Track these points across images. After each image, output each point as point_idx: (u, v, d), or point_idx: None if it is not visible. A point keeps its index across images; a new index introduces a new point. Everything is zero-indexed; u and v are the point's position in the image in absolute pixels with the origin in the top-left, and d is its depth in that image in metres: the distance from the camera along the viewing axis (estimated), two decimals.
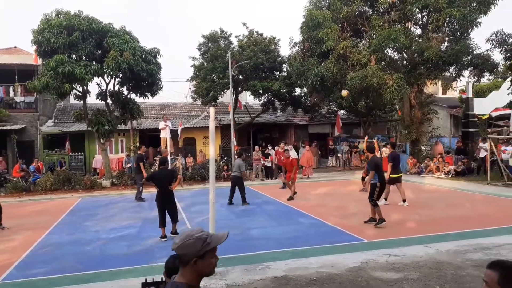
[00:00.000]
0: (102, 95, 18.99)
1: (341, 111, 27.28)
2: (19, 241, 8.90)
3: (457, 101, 27.21)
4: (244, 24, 25.39)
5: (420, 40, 18.82)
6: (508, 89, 18.29)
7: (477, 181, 15.91)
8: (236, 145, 21.65)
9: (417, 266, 6.24)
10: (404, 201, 11.34)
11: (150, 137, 24.64)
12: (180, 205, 12.71)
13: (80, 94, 18.48)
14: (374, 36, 18.51)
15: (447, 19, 17.85)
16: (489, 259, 3.97)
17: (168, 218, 8.69)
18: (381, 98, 20.12)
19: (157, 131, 21.15)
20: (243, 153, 14.87)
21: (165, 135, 18.21)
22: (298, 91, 25.57)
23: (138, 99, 20.02)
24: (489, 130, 22.69)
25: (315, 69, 19.28)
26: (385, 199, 11.25)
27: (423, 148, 21.78)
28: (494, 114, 22.30)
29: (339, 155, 24.52)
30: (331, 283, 5.67)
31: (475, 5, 17.50)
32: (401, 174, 11.79)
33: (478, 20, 17.72)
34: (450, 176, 17.44)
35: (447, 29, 19.28)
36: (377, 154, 11.63)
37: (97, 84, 18.68)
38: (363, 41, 20.88)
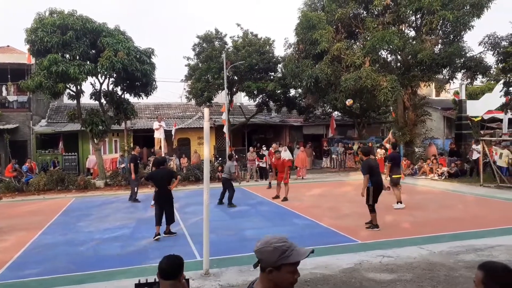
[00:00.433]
0: (96, 95, 18.90)
1: (336, 112, 27.38)
2: (12, 241, 8.83)
3: (450, 103, 27.40)
4: (238, 25, 25.43)
5: (414, 42, 18.94)
6: (500, 91, 18.45)
7: (470, 183, 16.03)
8: (231, 146, 21.64)
9: (411, 267, 6.28)
10: (400, 203, 11.22)
11: (144, 138, 24.56)
12: (174, 206, 12.64)
13: (74, 93, 18.38)
14: (368, 38, 18.60)
15: (441, 21, 17.99)
16: (482, 260, 4.00)
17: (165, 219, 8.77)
18: (375, 100, 20.21)
19: (151, 131, 21.13)
20: (234, 154, 14.83)
21: (159, 135, 18.20)
22: (292, 92, 25.66)
23: (132, 99, 19.94)
24: (482, 132, 22.89)
25: (310, 71, 19.32)
26: (400, 202, 11.14)
27: (416, 149, 21.91)
28: (487, 116, 22.51)
29: (333, 156, 24.58)
30: (325, 284, 5.68)
31: (468, 8, 17.65)
32: (401, 176, 11.78)
33: (471, 23, 17.88)
34: (443, 177, 17.56)
35: (440, 31, 19.42)
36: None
37: (91, 83, 18.61)
38: (357, 43, 20.97)
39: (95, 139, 18.54)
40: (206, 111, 6.71)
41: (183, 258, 2.73)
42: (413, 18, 19.92)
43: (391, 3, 18.58)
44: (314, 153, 25.81)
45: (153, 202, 12.66)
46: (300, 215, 10.81)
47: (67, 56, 16.89)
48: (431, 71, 19.31)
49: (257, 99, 25.34)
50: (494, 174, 15.34)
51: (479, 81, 23.83)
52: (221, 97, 25.74)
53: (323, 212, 11.01)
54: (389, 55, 20.67)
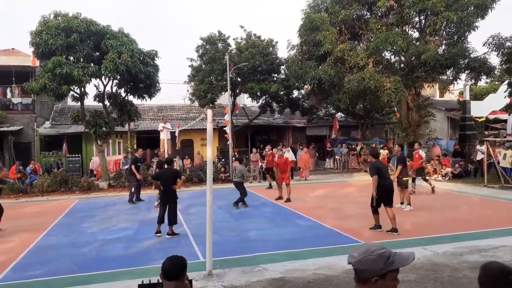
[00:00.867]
0: (99, 96, 18.96)
1: (339, 113, 27.34)
2: (16, 242, 8.87)
3: (454, 103, 27.30)
4: (242, 26, 25.40)
5: (418, 43, 18.90)
6: (504, 92, 18.38)
7: (474, 184, 15.96)
8: (234, 147, 21.65)
9: (414, 268, 6.25)
10: (408, 204, 11.18)
11: (148, 139, 24.61)
12: (178, 206, 12.68)
13: (78, 95, 18.45)
14: (371, 39, 18.57)
15: (445, 22, 17.95)
16: (486, 260, 3.97)
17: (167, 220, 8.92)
18: (378, 101, 20.18)
19: (154, 132, 21.18)
20: (243, 158, 14.75)
21: (163, 136, 18.25)
22: (296, 93, 25.64)
23: (135, 101, 20.00)
24: (486, 132, 22.79)
25: (313, 72, 19.32)
26: (409, 204, 11.12)
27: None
28: (492, 117, 22.40)
29: (337, 157, 24.53)
30: (328, 284, 5.67)
31: (472, 9, 17.58)
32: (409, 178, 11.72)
33: (475, 24, 17.81)
34: (447, 178, 17.49)
35: (444, 32, 19.37)
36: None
37: (95, 85, 18.66)
38: (360, 44, 20.94)
39: (98, 141, 18.59)
40: (209, 112, 6.72)
41: (186, 259, 2.73)
42: (417, 19, 19.88)
43: (394, 4, 18.56)
44: (317, 154, 25.77)
45: (156, 203, 12.74)
46: (303, 216, 10.79)
47: (71, 58, 16.95)
48: (435, 72, 19.26)
49: (260, 100, 25.35)
50: (498, 175, 15.28)
51: (483, 82, 23.72)
52: (224, 99, 25.77)
53: (326, 213, 10.99)
54: (392, 56, 20.64)
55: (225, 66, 21.68)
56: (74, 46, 16.45)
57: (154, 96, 19.57)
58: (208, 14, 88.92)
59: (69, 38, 16.23)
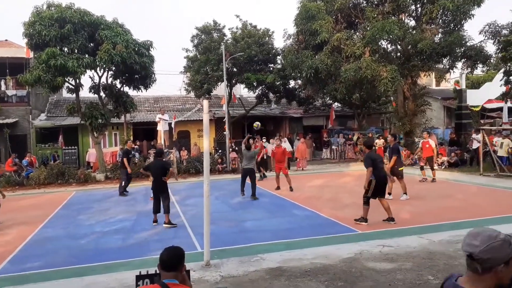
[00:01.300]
0: (95, 88, 18.83)
1: (336, 103, 27.31)
2: (13, 235, 8.87)
3: (451, 92, 27.33)
4: (237, 16, 25.26)
5: (414, 32, 18.82)
6: (500, 80, 18.39)
7: (470, 172, 16.05)
8: (230, 138, 21.62)
9: (410, 256, 6.30)
10: (404, 193, 11.13)
11: (144, 130, 24.55)
12: (175, 198, 12.73)
13: (73, 87, 18.31)
14: (368, 28, 18.48)
15: (441, 10, 17.87)
16: None
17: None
18: (375, 90, 20.16)
19: (150, 124, 21.09)
20: (251, 145, 14.42)
21: (160, 128, 18.20)
22: (292, 83, 25.56)
23: (131, 92, 19.89)
24: (482, 121, 22.86)
25: (309, 61, 19.24)
26: (389, 193, 11.05)
27: (416, 139, 21.90)
28: (487, 105, 22.44)
29: (334, 147, 24.56)
30: (325, 274, 5.71)
31: None
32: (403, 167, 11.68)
33: (471, 12, 17.76)
34: (443, 167, 17.56)
35: (440, 20, 19.29)
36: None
37: (90, 77, 18.52)
38: (357, 33, 20.83)
39: (94, 133, 18.52)
40: (205, 103, 6.69)
41: (183, 249, 2.74)
42: (413, 7, 19.78)
43: None
44: (314, 144, 25.80)
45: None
46: (300, 206, 10.84)
47: (66, 49, 16.80)
48: (431, 61, 19.21)
49: (257, 90, 25.27)
50: (494, 163, 15.35)
51: (479, 71, 23.73)
52: (220, 89, 25.67)
53: (323, 203, 11.03)
54: (389, 45, 20.57)
55: (220, 56, 21.54)
56: (68, 37, 16.29)
57: (149, 87, 19.47)
58: (203, 3, 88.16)
59: (63, 29, 16.07)
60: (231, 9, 77.31)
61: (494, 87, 20.35)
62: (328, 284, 5.35)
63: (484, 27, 18.27)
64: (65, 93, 22.20)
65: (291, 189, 13.14)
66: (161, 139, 18.70)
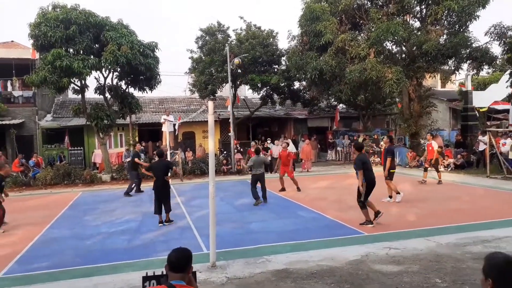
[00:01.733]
0: (100, 89, 18.93)
1: (340, 105, 27.26)
2: (20, 235, 8.91)
3: (456, 94, 27.20)
4: (241, 17, 25.24)
5: (419, 33, 18.75)
6: (506, 81, 18.27)
7: (476, 174, 15.95)
8: (235, 139, 21.62)
9: (417, 259, 6.27)
10: (390, 197, 11.04)
11: (149, 131, 24.61)
12: (180, 199, 12.76)
13: (79, 88, 18.41)
14: (372, 29, 18.42)
15: (446, 11, 17.78)
16: (489, 251, 3.98)
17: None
18: (380, 92, 20.10)
19: (156, 125, 21.13)
20: (260, 148, 14.24)
21: (165, 129, 18.24)
22: (297, 84, 25.54)
23: (136, 93, 19.96)
24: (488, 123, 22.71)
25: (314, 63, 19.21)
26: (390, 196, 11.05)
27: (422, 141, 21.80)
28: (493, 107, 22.29)
29: (339, 148, 24.50)
30: (331, 276, 5.69)
31: None
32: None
33: (477, 13, 17.66)
34: (449, 169, 17.47)
35: (445, 22, 19.20)
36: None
37: (95, 78, 18.63)
38: (361, 34, 20.78)
39: (100, 134, 18.60)
40: (210, 104, 6.70)
41: (191, 250, 2.74)
42: (418, 8, 19.70)
43: None
44: (319, 146, 25.76)
45: None
46: (305, 207, 10.81)
47: (71, 50, 16.90)
48: (437, 62, 19.12)
49: (261, 92, 25.26)
50: (500, 165, 15.24)
51: (485, 72, 23.62)
52: (225, 91, 25.69)
53: (328, 205, 11.00)
54: (394, 46, 20.50)
55: (225, 57, 21.55)
56: (73, 38, 16.39)
57: (155, 88, 19.55)
58: (207, 5, 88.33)
59: (68, 30, 16.17)
60: (235, 11, 77.48)
61: (500, 89, 20.22)
62: (334, 287, 5.33)
63: (490, 28, 18.17)
64: (70, 94, 22.31)
65: (298, 189, 13.23)
66: (166, 140, 18.74)
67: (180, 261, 2.66)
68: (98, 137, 18.95)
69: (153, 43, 18.48)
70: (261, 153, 12.46)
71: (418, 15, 19.97)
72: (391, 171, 10.98)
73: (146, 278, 3.42)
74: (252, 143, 18.56)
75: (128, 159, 19.11)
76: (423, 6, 19.33)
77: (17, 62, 22.45)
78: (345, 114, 27.79)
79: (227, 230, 8.52)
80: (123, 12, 76.17)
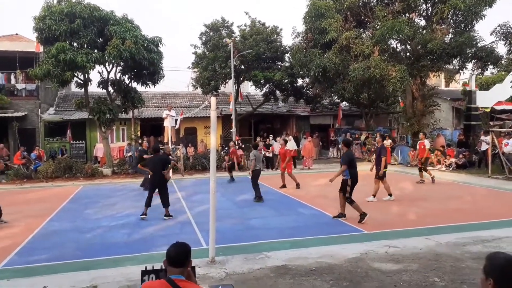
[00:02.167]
0: (103, 83, 18.93)
1: (343, 102, 27.21)
2: (21, 228, 8.95)
3: (459, 93, 27.09)
4: (246, 13, 25.14)
5: (424, 31, 18.68)
6: (511, 82, 18.18)
7: (478, 174, 15.90)
8: (237, 136, 21.62)
9: (417, 257, 6.26)
10: (374, 196, 10.99)
11: (152, 126, 24.64)
12: (181, 194, 12.78)
13: (82, 82, 18.42)
14: (377, 27, 18.37)
15: (452, 10, 17.71)
16: (489, 251, 3.97)
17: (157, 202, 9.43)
18: (383, 90, 20.04)
19: (158, 120, 21.14)
20: (258, 143, 14.22)
21: (167, 124, 18.25)
22: (300, 81, 25.49)
23: (139, 88, 19.96)
24: (491, 123, 22.61)
25: (318, 60, 19.17)
26: (390, 194, 11.06)
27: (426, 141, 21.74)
28: (497, 107, 22.16)
29: (340, 146, 24.44)
30: (330, 273, 5.69)
31: None
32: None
33: (483, 12, 17.57)
34: (451, 169, 17.42)
35: (451, 20, 19.12)
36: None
37: (99, 72, 18.62)
38: (366, 32, 20.73)
39: (102, 128, 18.62)
40: (213, 100, 6.69)
41: (189, 244, 2.74)
42: (424, 6, 19.62)
43: None
44: (321, 143, 25.72)
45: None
46: (306, 204, 10.82)
47: (75, 44, 16.90)
48: (441, 61, 19.05)
49: (264, 88, 25.23)
50: (502, 166, 15.19)
51: (489, 72, 23.50)
52: (228, 87, 25.67)
53: (329, 202, 10.97)
54: (398, 45, 20.44)
55: (228, 53, 21.52)
56: (77, 32, 16.38)
57: (157, 83, 19.53)
58: (213, 1, 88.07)
59: (73, 23, 16.16)
60: (240, 6, 77.21)
61: (504, 89, 20.10)
62: (333, 284, 5.34)
63: (496, 28, 18.10)
64: (73, 88, 22.32)
65: (297, 186, 13.20)
66: (168, 135, 18.76)
67: (179, 256, 2.66)
68: (100, 131, 18.98)
69: (157, 38, 18.44)
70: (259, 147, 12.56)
71: (423, 14, 19.89)
72: (383, 170, 10.97)
73: (145, 272, 3.43)
74: (231, 143, 18.32)
75: (130, 153, 19.17)
76: (429, 5, 19.25)
77: (21, 55, 22.48)
78: (347, 112, 27.74)
79: (227, 226, 8.53)
80: (127, 7, 76.09)
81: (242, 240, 7.51)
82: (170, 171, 11.91)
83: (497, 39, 18.24)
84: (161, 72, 19.27)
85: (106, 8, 17.63)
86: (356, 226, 8.32)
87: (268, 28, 24.23)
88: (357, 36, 18.89)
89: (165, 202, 9.38)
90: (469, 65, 19.90)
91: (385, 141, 19.80)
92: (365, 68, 17.38)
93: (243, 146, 20.58)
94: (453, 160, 17.86)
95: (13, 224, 9.32)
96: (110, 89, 19.12)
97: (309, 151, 19.98)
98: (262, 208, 10.60)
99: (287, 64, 24.20)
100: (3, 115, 21.55)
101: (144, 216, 9.27)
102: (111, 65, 18.05)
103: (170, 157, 12.01)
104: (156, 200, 9.54)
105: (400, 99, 24.35)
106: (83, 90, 19.02)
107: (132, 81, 19.28)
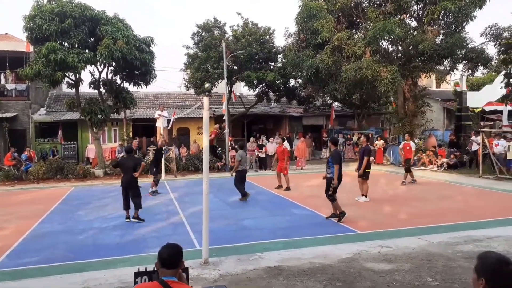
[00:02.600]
0: (95, 83, 18.79)
1: (336, 103, 27.31)
2: (11, 230, 8.84)
3: (451, 94, 27.33)
4: (239, 14, 25.15)
5: (415, 32, 18.80)
6: (501, 82, 18.39)
7: (469, 174, 16.06)
8: (230, 136, 21.59)
9: (409, 257, 6.30)
10: (364, 195, 11.08)
11: (144, 127, 24.50)
12: (174, 195, 12.73)
13: (73, 82, 18.27)
14: (369, 28, 18.46)
15: (442, 12, 17.85)
16: (480, 251, 4.01)
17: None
18: (375, 91, 20.15)
19: (150, 120, 21.03)
20: (243, 144, 14.20)
21: (159, 124, 18.17)
22: (292, 82, 25.53)
23: (131, 88, 19.85)
24: (481, 123, 22.87)
25: (310, 61, 19.20)
26: (366, 195, 11.08)
27: (416, 141, 21.91)
28: (488, 108, 22.44)
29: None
30: (323, 273, 5.70)
31: None
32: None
33: (473, 14, 17.75)
34: (442, 169, 17.57)
35: (442, 22, 19.28)
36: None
37: (90, 72, 18.48)
38: (358, 33, 20.81)
39: (94, 128, 18.48)
40: (205, 100, 6.66)
41: (181, 245, 2.73)
42: (415, 8, 19.76)
43: None
44: (313, 144, 25.78)
45: (150, 190, 12.70)
46: (299, 205, 10.83)
47: (66, 44, 16.76)
48: (432, 62, 19.20)
49: (257, 89, 25.22)
50: (493, 166, 15.36)
51: (480, 73, 23.75)
52: (220, 87, 25.62)
53: (322, 203, 10.95)
54: (390, 46, 20.57)
55: (221, 53, 21.47)
56: (68, 32, 16.25)
57: (149, 83, 19.43)
58: (205, 1, 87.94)
59: (64, 23, 16.02)
60: (232, 7, 77.17)
61: (495, 90, 20.36)
62: (326, 284, 5.35)
63: (486, 29, 18.28)
64: (65, 88, 22.15)
65: (287, 188, 13.08)
66: (160, 135, 18.66)
67: (172, 257, 2.65)
68: (92, 131, 18.84)
69: (149, 38, 18.36)
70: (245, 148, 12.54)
71: (415, 15, 20.04)
72: (366, 170, 11.03)
73: (138, 274, 3.40)
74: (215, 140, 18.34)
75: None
76: (420, 6, 19.40)
77: (11, 55, 22.24)
78: (340, 113, 27.84)
79: (220, 227, 8.51)
80: (119, 6, 75.69)
81: (235, 241, 7.50)
82: (163, 172, 11.84)
83: (487, 40, 18.43)
84: (153, 72, 19.19)
85: (98, 7, 17.50)
86: (349, 226, 8.35)
87: (260, 28, 24.22)
88: (349, 37, 18.96)
89: (136, 204, 9.22)
90: (460, 66, 20.09)
91: (377, 142, 20.02)
92: (357, 69, 17.46)
93: (236, 146, 20.54)
94: (445, 160, 18.01)
95: (3, 226, 9.21)
96: (102, 89, 18.98)
97: (302, 152, 20.03)
98: (255, 208, 10.60)
99: (279, 65, 24.22)
100: None
101: (128, 220, 9.20)
102: (102, 65, 17.93)
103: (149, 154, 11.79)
104: (148, 202, 9.49)
105: (392, 99, 24.49)
106: (74, 90, 18.88)
107: (124, 81, 19.16)
